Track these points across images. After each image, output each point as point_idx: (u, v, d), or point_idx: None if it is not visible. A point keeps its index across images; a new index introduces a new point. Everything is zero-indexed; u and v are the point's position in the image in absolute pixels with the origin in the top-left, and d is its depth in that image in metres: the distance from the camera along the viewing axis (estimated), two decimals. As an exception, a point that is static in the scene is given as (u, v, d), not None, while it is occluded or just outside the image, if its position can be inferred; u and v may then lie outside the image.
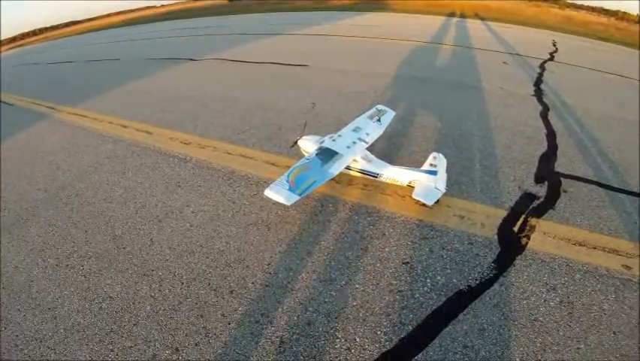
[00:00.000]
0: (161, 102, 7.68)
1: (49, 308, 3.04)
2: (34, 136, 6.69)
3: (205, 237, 3.58)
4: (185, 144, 5.56)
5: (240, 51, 12.72)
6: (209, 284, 3.03)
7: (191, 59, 11.90)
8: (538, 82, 8.73)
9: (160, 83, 9.47)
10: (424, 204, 3.66)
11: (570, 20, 22.88)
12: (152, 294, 3.00)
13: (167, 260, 3.32)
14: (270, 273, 3.10)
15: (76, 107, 7.92)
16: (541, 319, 2.71)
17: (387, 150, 4.89)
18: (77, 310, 2.98)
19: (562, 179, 4.44)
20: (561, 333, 2.61)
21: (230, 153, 5.16)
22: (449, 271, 3.09)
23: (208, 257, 3.32)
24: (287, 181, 3.38)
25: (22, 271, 3.48)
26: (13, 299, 3.18)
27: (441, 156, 3.99)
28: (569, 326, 2.66)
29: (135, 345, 2.66)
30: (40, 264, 3.52)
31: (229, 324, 2.70)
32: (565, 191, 4.20)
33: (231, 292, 2.94)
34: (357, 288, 2.93)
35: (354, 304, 2.80)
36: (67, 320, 2.92)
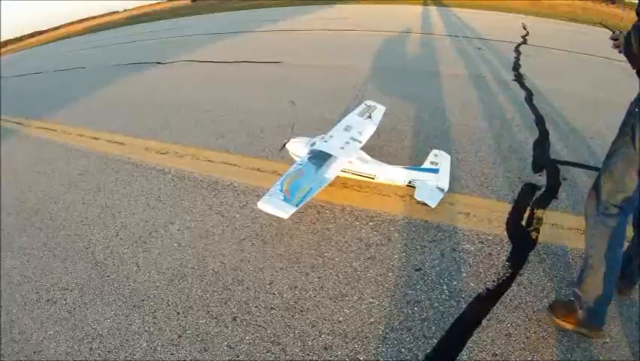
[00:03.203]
0: (131, 110, 7.33)
1: (34, 352, 2.70)
2: (2, 155, 6.23)
3: (196, 257, 3.30)
4: (161, 153, 5.24)
5: (208, 51, 12.41)
6: (209, 312, 2.75)
7: (159, 63, 11.51)
8: (516, 66, 8.67)
9: (128, 90, 9.09)
10: (425, 204, 3.47)
11: (537, 4, 23.11)
12: (147, 328, 2.70)
13: (158, 287, 3.03)
14: (273, 293, 2.85)
15: (46, 120, 7.45)
16: (565, 317, 2.55)
17: (378, 147, 4.68)
18: (66, 352, 2.65)
19: (559, 166, 4.31)
20: (585, 330, 2.47)
21: (211, 161, 4.88)
22: (464, 274, 2.91)
23: (202, 280, 3.04)
24: (281, 191, 3.12)
25: (1, 310, 3.13)
26: (-8, 345, 2.84)
27: (442, 152, 3.82)
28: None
29: (134, 390, 2.38)
30: (19, 300, 3.17)
31: (237, 357, 2.43)
32: (564, 179, 4.07)
33: (234, 319, 2.68)
34: (371, 303, 2.71)
35: (372, 320, 2.58)
36: (55, 366, 2.62)
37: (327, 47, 11.72)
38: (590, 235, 2.25)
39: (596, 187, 2.25)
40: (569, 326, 2.35)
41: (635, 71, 2.08)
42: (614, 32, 2.26)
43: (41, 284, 3.29)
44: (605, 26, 2.71)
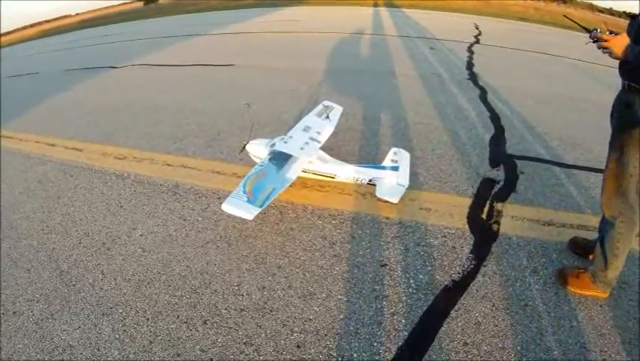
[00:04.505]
0: (87, 115, 7.11)
1: (2, 366, 2.60)
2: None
3: (161, 262, 3.24)
4: (119, 158, 5.13)
5: (161, 55, 12.24)
6: (179, 316, 2.71)
7: (112, 67, 11.24)
8: (470, 66, 8.90)
9: (83, 95, 8.80)
10: (387, 202, 3.53)
11: (488, 4, 23.76)
12: (117, 336, 2.63)
13: (125, 294, 2.96)
14: (242, 295, 2.83)
15: (1, 128, 7.12)
16: (530, 303, 2.67)
17: (336, 147, 4.72)
18: (36, 365, 2.57)
19: (516, 161, 4.46)
20: (552, 314, 2.58)
21: (170, 165, 4.81)
22: (430, 267, 2.97)
23: (170, 285, 2.99)
24: (244, 192, 3.10)
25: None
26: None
27: (402, 150, 3.88)
28: (559, 305, 2.65)
29: (106, 400, 2.32)
30: (-18, 315, 3.03)
31: (211, 360, 2.41)
32: (522, 172, 4.22)
33: (205, 322, 2.65)
34: (340, 299, 2.74)
35: (342, 317, 2.61)
36: (25, 379, 2.52)
37: (280, 49, 11.75)
38: (618, 233, 2.44)
39: (619, 189, 2.39)
40: (583, 292, 2.72)
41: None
42: (591, 31, 2.26)
43: (6, 296, 3.15)
44: (574, 21, 2.71)
